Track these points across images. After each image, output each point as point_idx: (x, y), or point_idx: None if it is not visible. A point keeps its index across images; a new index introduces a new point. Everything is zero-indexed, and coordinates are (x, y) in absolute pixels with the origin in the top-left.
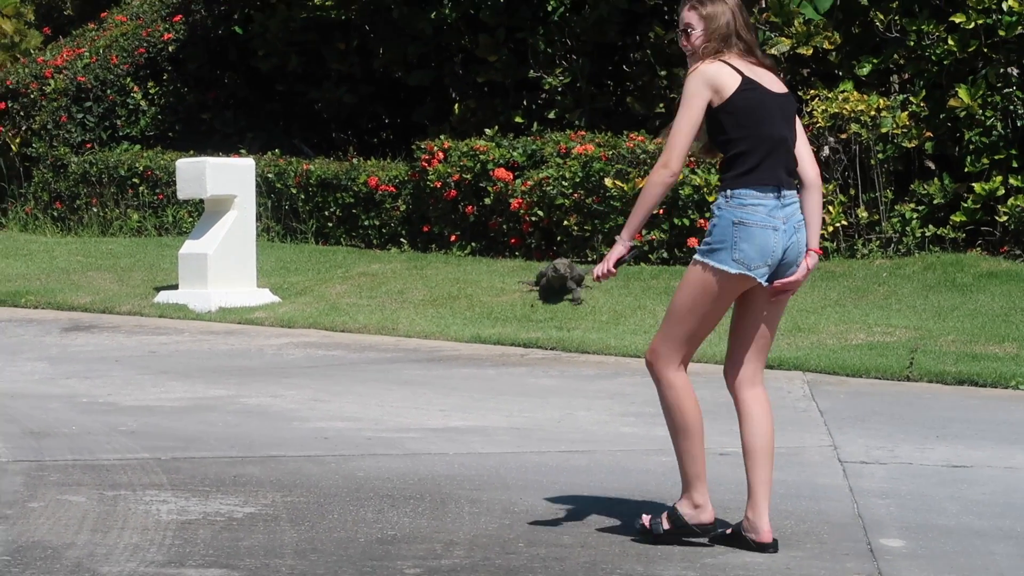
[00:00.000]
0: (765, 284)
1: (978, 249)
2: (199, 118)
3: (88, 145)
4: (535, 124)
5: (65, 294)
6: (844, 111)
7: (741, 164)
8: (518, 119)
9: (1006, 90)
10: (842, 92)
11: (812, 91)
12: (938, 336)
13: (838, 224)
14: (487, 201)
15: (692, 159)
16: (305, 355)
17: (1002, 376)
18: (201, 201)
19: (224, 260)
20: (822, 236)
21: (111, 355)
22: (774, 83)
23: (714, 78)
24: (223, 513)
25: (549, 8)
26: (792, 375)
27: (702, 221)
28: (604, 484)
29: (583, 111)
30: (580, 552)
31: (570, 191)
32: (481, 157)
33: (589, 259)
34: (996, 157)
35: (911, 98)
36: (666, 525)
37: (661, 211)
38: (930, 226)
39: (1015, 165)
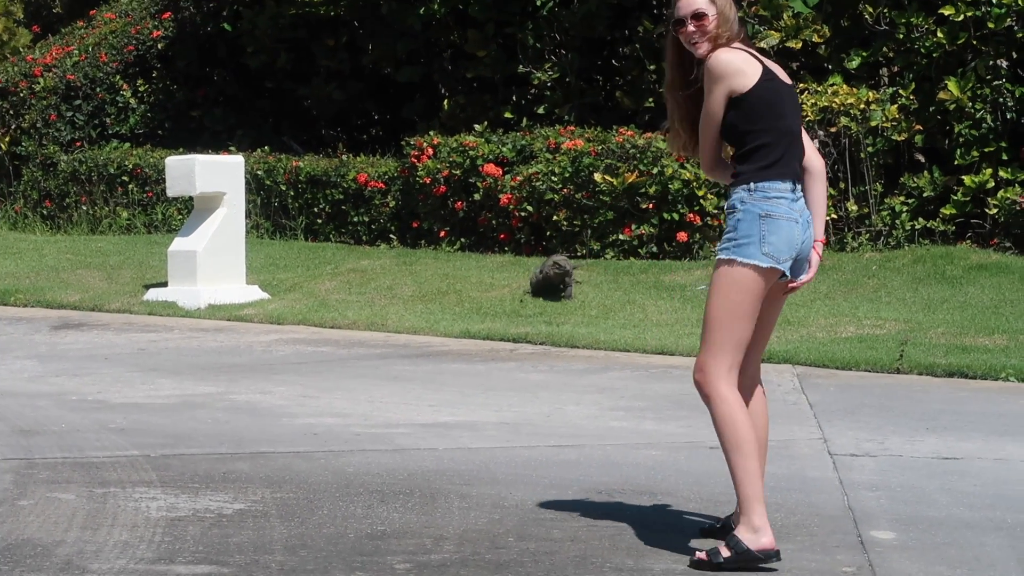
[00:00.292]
0: (789, 277)
1: (968, 242)
2: (188, 115)
3: (77, 143)
4: (524, 119)
5: (54, 292)
6: (833, 104)
7: (764, 156)
8: (507, 114)
9: (995, 82)
10: (831, 85)
11: (801, 84)
12: (928, 328)
13: (828, 217)
14: (476, 197)
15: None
16: (294, 351)
17: (992, 368)
18: (190, 198)
19: (213, 257)
20: None
21: (100, 353)
22: (782, 74)
23: (739, 67)
24: (212, 510)
25: (538, 3)
26: (782, 368)
27: (691, 215)
28: (594, 478)
29: (572, 106)
30: (570, 546)
31: (560, 186)
32: (470, 153)
33: (579, 254)
34: (986, 150)
35: (900, 91)
36: (726, 553)
37: (651, 205)
38: (920, 219)
39: (1005, 158)
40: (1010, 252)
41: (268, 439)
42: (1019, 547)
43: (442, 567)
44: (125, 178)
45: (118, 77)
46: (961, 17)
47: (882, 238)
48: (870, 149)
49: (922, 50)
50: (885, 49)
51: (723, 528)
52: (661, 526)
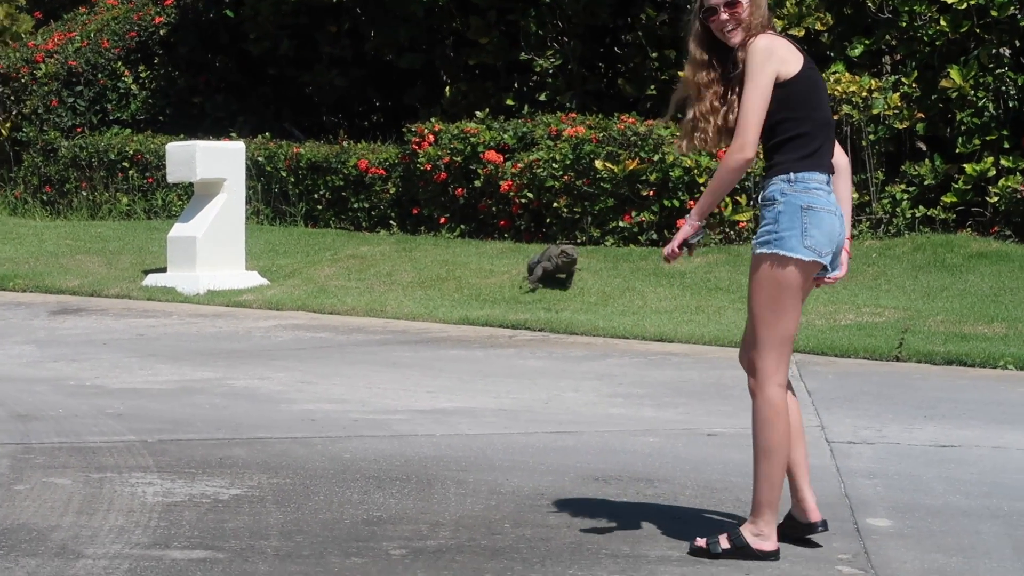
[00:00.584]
0: (830, 272)
1: (968, 230)
2: (190, 102)
3: (78, 129)
4: (526, 106)
5: (54, 277)
6: (836, 92)
7: (803, 147)
8: (509, 101)
9: (998, 71)
10: (834, 73)
11: None
12: (927, 316)
13: None
14: (477, 183)
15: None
16: (293, 337)
17: (991, 356)
18: (191, 184)
19: (213, 243)
20: None
21: (99, 338)
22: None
23: (783, 53)
24: (209, 495)
25: None
26: None
27: (692, 202)
28: (591, 465)
29: (574, 93)
30: (566, 532)
31: (560, 173)
32: (471, 140)
33: (579, 240)
34: (987, 138)
35: (903, 79)
36: (725, 544)
37: (651, 192)
38: (920, 207)
39: (1006, 146)
40: (1010, 240)
41: (266, 425)
42: (1015, 535)
43: (438, 553)
44: (125, 164)
45: (119, 63)
46: (964, 5)
47: (882, 226)
48: (872, 137)
49: (924, 38)
50: (888, 37)
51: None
52: (657, 513)
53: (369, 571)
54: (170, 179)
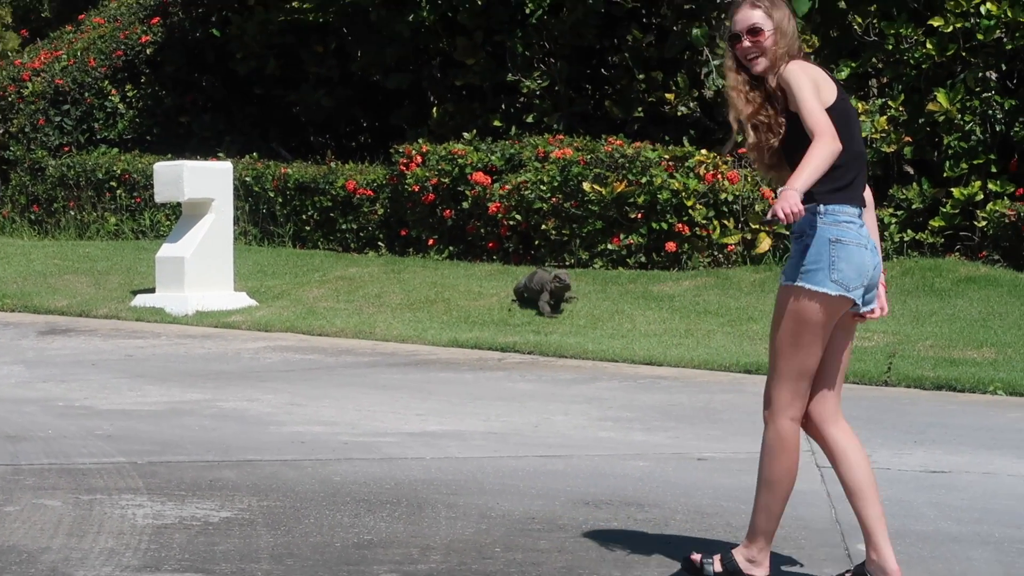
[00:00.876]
0: (862, 308)
1: (956, 254)
2: (177, 121)
3: (66, 148)
4: (513, 128)
5: (42, 297)
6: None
7: (836, 178)
8: (496, 123)
9: (985, 94)
10: None
11: None
12: (916, 341)
13: None
14: (465, 205)
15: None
16: (282, 359)
17: (980, 381)
18: (179, 204)
19: (201, 263)
20: None
21: (88, 359)
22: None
23: (818, 79)
24: (199, 517)
25: (527, 11)
26: None
27: (680, 225)
28: (581, 489)
29: (561, 115)
30: (557, 557)
31: (548, 195)
32: (459, 161)
33: (567, 263)
34: (975, 162)
35: (890, 102)
36: (717, 567)
37: (640, 215)
38: (908, 231)
39: (994, 170)
40: (999, 265)
41: (255, 447)
42: (1005, 561)
43: None
44: (113, 183)
45: (107, 82)
46: (950, 28)
47: None
48: None
49: (911, 61)
50: (874, 60)
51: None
52: (648, 538)
53: None
54: (158, 199)
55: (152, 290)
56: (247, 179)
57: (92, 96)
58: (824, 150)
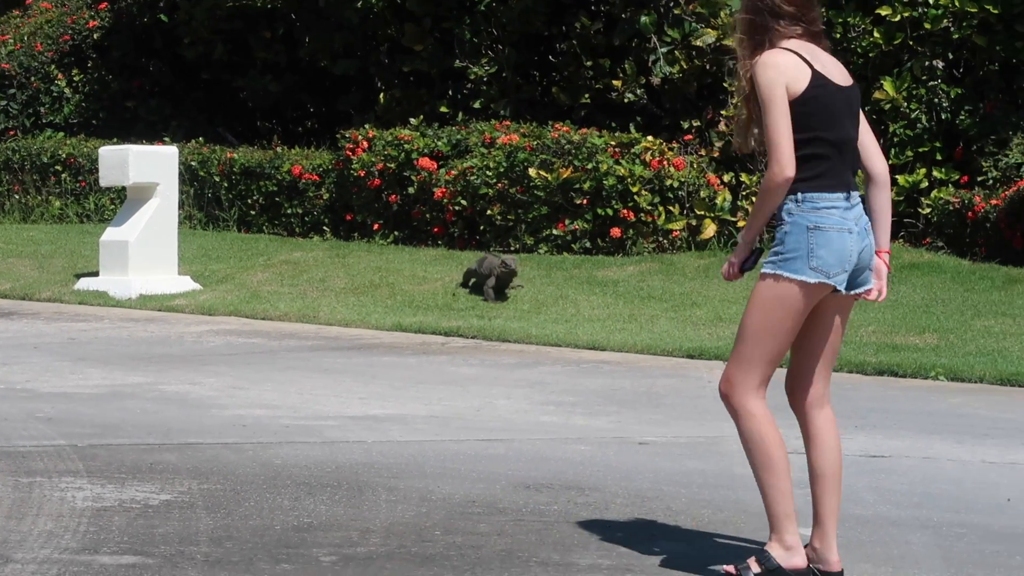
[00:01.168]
0: (844, 292)
1: (901, 240)
2: (124, 106)
3: (11, 132)
4: (460, 114)
5: None
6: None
7: (811, 167)
8: (443, 109)
9: (931, 83)
10: None
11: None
12: (859, 327)
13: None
14: (411, 190)
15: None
16: (225, 342)
17: (922, 367)
18: (124, 189)
19: (145, 247)
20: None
21: (30, 341)
22: (840, 74)
23: (784, 70)
24: (139, 500)
25: None
26: (713, 364)
27: (625, 211)
28: (522, 473)
29: (508, 101)
30: (497, 540)
31: (494, 181)
32: (405, 146)
33: (512, 248)
34: (920, 150)
35: None
36: (756, 569)
37: (585, 201)
38: None
39: (939, 158)
40: (942, 252)
41: (196, 430)
42: (944, 545)
43: (368, 560)
44: (58, 167)
45: (53, 67)
46: (898, 17)
47: None
48: None
49: (859, 49)
50: None
51: None
52: (588, 522)
53: None
54: (103, 183)
55: (96, 274)
56: (193, 163)
57: (38, 80)
58: (766, 186)
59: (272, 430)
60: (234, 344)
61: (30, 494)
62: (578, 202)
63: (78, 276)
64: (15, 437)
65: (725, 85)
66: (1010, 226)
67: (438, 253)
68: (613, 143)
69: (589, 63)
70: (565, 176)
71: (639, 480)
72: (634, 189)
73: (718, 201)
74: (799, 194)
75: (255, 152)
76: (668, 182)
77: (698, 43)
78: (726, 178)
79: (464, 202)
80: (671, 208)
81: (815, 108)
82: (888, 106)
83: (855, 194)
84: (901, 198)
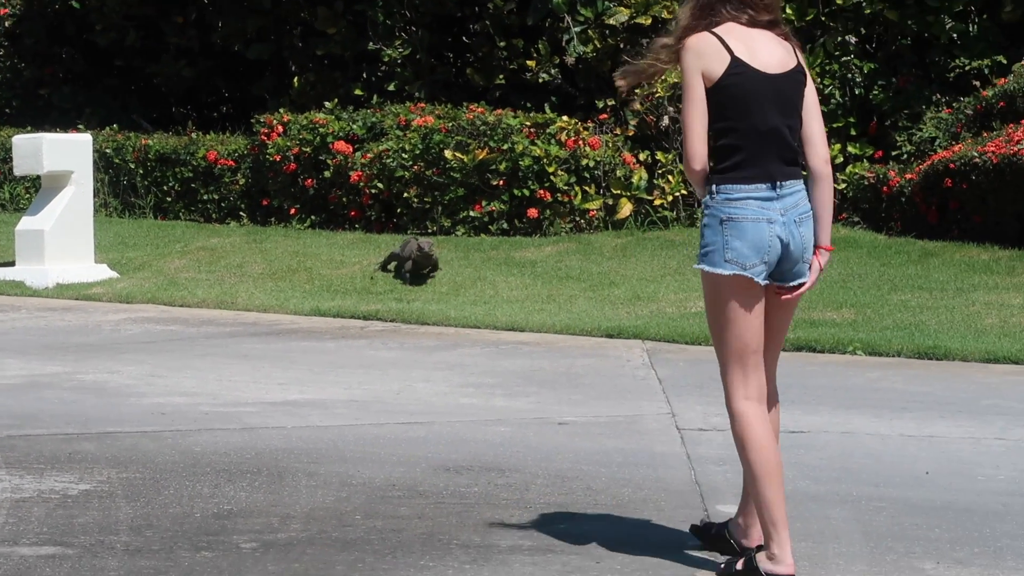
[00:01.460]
0: (763, 283)
1: None
2: (36, 94)
3: None
4: (375, 96)
5: None
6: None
7: (726, 157)
8: (358, 92)
9: (844, 58)
10: None
11: None
12: None
13: (678, 193)
14: (327, 174)
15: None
16: (143, 330)
17: (839, 342)
18: (38, 177)
19: (61, 236)
20: (663, 205)
21: None
22: (774, 61)
23: (701, 55)
24: (58, 491)
25: None
26: (631, 343)
27: (542, 192)
28: (442, 455)
29: (423, 83)
30: (417, 523)
31: (410, 163)
32: (320, 130)
33: (429, 231)
34: (835, 125)
35: None
36: (739, 566)
37: (502, 182)
38: None
39: (853, 133)
40: (858, 227)
41: (115, 419)
42: (863, 519)
43: (288, 546)
44: None
45: None
46: None
47: None
48: None
49: None
50: None
51: (709, 529)
52: (509, 503)
53: (219, 565)
54: (17, 172)
55: (12, 263)
56: (107, 151)
57: None
58: (688, 178)
59: (191, 417)
60: (152, 332)
61: None
62: (494, 183)
63: None
64: None
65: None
66: (925, 200)
67: (355, 237)
68: (528, 123)
69: (503, 43)
70: (481, 157)
71: (559, 460)
72: (550, 169)
73: (634, 180)
74: (714, 186)
75: (170, 138)
76: (584, 162)
77: (611, 22)
78: (642, 157)
79: (380, 185)
80: (587, 188)
81: (730, 96)
82: None
83: (790, 183)
84: None
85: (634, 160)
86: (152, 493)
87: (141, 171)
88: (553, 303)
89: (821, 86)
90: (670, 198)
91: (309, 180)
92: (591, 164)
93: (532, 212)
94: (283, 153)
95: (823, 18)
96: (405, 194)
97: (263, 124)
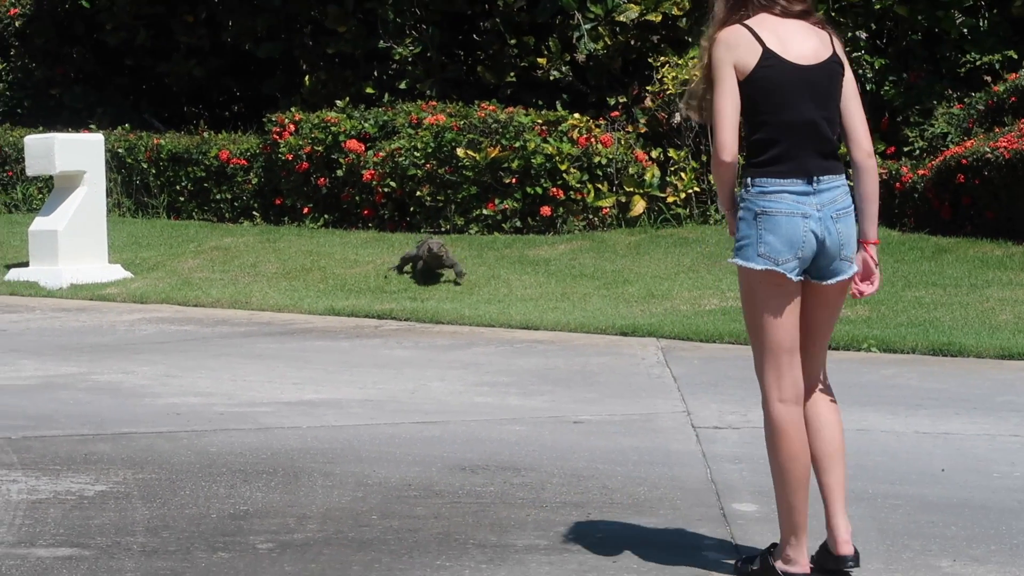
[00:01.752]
0: (796, 280)
1: None
2: (48, 94)
3: None
4: (386, 95)
5: None
6: (695, 77)
7: (760, 152)
8: (369, 90)
9: (855, 54)
10: (692, 58)
11: (662, 57)
12: None
13: (691, 190)
14: (339, 173)
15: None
16: (157, 330)
17: (854, 339)
18: (51, 177)
19: (75, 236)
20: (676, 203)
21: None
22: (808, 52)
23: (734, 48)
24: (74, 492)
25: None
26: (646, 342)
27: (554, 189)
28: (458, 454)
29: (434, 81)
30: (433, 523)
31: (422, 161)
32: (332, 129)
33: (442, 229)
34: None
35: None
36: (755, 566)
37: (514, 180)
38: None
39: None
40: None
41: (130, 420)
42: (879, 517)
43: (305, 546)
44: None
45: None
46: None
47: None
48: None
49: None
50: None
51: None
52: (524, 502)
53: (236, 565)
54: (29, 172)
55: (26, 264)
56: (119, 151)
57: None
58: (712, 166)
59: (206, 418)
60: (166, 332)
61: None
62: (507, 181)
63: (8, 267)
64: None
65: (650, 61)
66: (938, 196)
67: (369, 236)
68: (540, 121)
69: (513, 41)
70: (493, 155)
71: (575, 459)
72: (563, 167)
73: (647, 177)
74: (748, 179)
75: (182, 138)
76: (596, 159)
77: (622, 19)
78: (654, 154)
79: (393, 184)
80: (600, 186)
81: (762, 89)
82: None
83: (828, 178)
84: None
85: (647, 157)
86: (168, 494)
87: (154, 171)
88: (567, 301)
89: None
90: (683, 195)
91: (322, 179)
92: (603, 162)
93: (545, 210)
94: (295, 152)
95: (833, 13)
96: (418, 192)
97: (275, 123)
